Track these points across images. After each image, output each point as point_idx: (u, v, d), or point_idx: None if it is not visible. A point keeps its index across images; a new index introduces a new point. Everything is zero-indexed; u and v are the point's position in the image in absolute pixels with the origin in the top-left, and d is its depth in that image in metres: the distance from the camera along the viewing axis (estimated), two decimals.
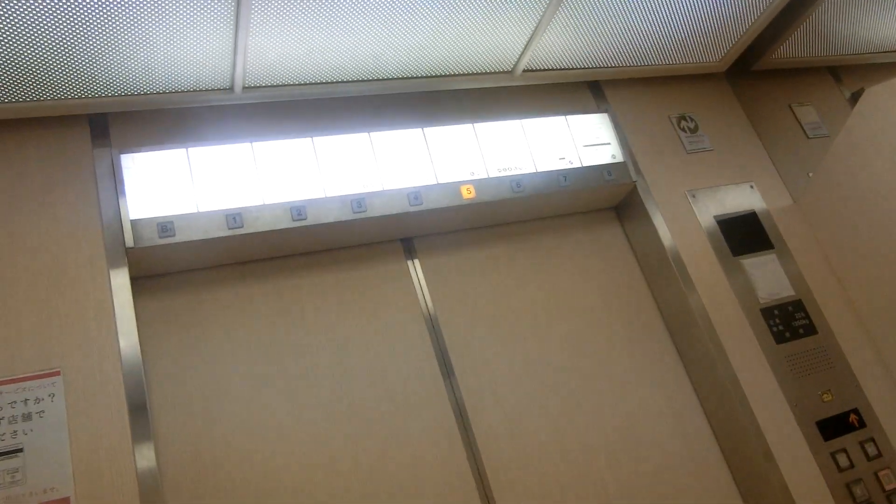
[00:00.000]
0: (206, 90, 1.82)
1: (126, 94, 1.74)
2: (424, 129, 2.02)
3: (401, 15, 1.77)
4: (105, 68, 1.63)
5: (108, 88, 1.70)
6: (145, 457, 1.48)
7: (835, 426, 1.99)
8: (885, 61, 2.92)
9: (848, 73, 2.86)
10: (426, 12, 1.79)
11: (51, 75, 1.60)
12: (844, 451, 1.95)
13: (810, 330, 2.13)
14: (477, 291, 2.08)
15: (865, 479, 1.92)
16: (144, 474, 1.46)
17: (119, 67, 1.64)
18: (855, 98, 2.65)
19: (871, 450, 1.97)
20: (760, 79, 2.66)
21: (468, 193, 1.97)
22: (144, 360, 1.64)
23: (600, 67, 2.29)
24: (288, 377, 1.80)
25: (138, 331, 1.60)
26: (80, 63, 1.59)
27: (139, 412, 1.51)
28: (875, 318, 2.15)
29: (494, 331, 2.04)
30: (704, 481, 2.00)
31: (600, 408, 2.02)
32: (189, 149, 1.77)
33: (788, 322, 2.12)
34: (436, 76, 2.07)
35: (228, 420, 1.71)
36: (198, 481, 1.63)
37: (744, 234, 2.24)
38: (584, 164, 2.15)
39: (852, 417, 2.02)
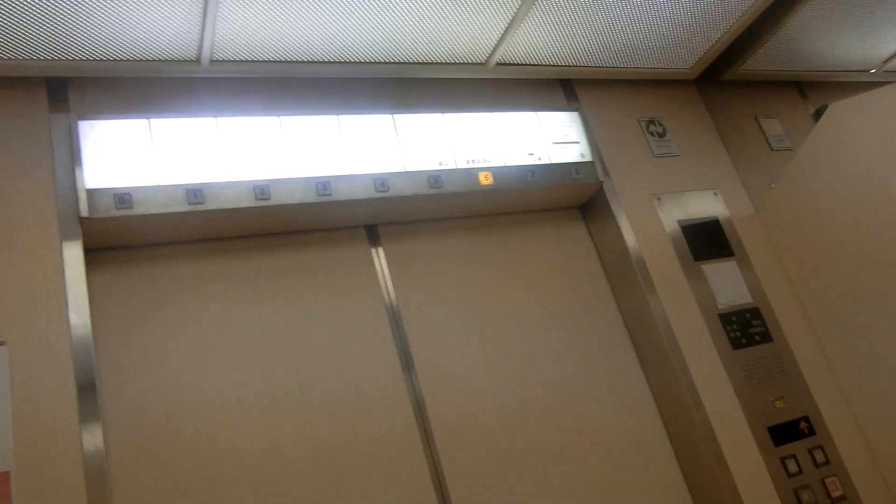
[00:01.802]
0: (173, 60, 1.77)
1: (88, 59, 1.68)
2: (394, 115, 1.99)
3: None
4: (67, 30, 1.57)
5: (70, 51, 1.64)
6: (92, 437, 1.42)
7: (785, 432, 2.02)
8: (848, 80, 2.99)
9: (812, 90, 2.92)
10: None
11: (8, 34, 1.53)
12: (794, 457, 1.98)
13: (766, 337, 2.16)
14: (440, 283, 2.06)
15: (813, 485, 1.95)
16: (91, 455, 1.41)
17: (83, 30, 1.59)
18: (818, 114, 2.71)
19: (819, 457, 2.00)
20: (729, 89, 2.70)
21: (436, 183, 1.95)
22: (95, 336, 1.58)
23: (573, 66, 2.29)
24: (242, 359, 1.76)
25: (90, 305, 1.54)
26: (41, 23, 1.53)
27: (87, 391, 1.45)
28: (827, 328, 2.19)
29: (456, 324, 2.02)
30: (657, 482, 2.01)
31: (557, 405, 2.01)
32: (152, 120, 1.72)
33: (745, 329, 2.14)
34: (408, 63, 2.05)
35: (180, 401, 1.66)
36: (146, 463, 1.58)
37: (706, 240, 2.26)
38: (553, 162, 2.15)
39: (802, 424, 2.05)
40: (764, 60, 2.61)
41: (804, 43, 2.58)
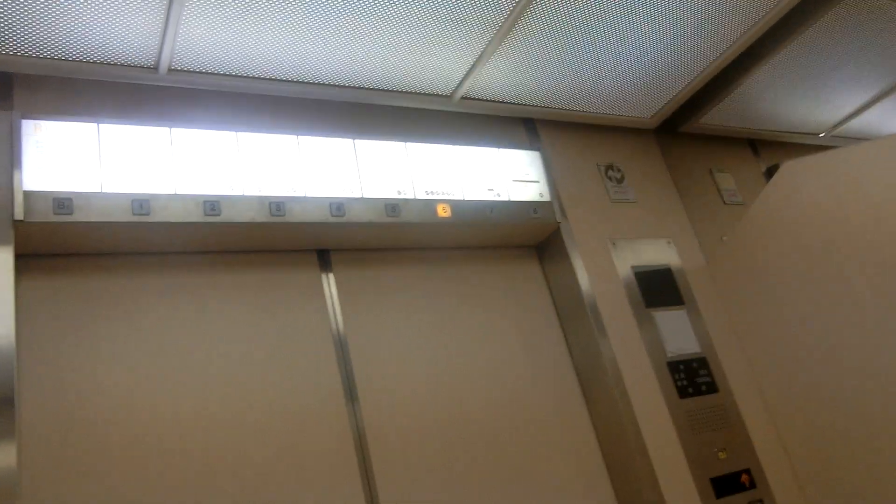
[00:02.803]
0: (129, 66, 1.70)
1: (38, 57, 1.61)
2: (355, 140, 1.96)
3: (344, 20, 1.72)
4: (17, 24, 1.50)
5: (17, 46, 1.56)
6: (5, 455, 1.31)
7: (727, 484, 2.01)
8: (798, 141, 3.08)
9: (765, 148, 3.00)
10: (371, 22, 1.75)
11: None
12: None
13: (712, 388, 2.16)
14: (390, 313, 2.01)
15: None
16: (2, 474, 1.30)
17: (34, 26, 1.52)
18: (770, 172, 2.78)
19: None
20: (686, 141, 2.76)
21: (393, 211, 1.91)
22: (19, 347, 1.48)
23: (537, 106, 2.30)
24: (175, 379, 1.67)
25: (16, 314, 1.44)
26: None
27: (4, 406, 1.34)
28: (770, 381, 2.21)
29: (403, 355, 1.97)
30: None
31: (501, 440, 1.97)
32: (101, 124, 1.65)
33: (692, 378, 2.15)
34: (373, 89, 2.02)
35: (104, 419, 1.56)
36: (63, 483, 1.47)
37: (658, 288, 2.27)
38: (512, 199, 2.14)
39: (744, 477, 2.04)
40: (721, 116, 2.68)
41: (759, 102, 2.66)
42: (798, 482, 2.11)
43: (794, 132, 2.98)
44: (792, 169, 2.19)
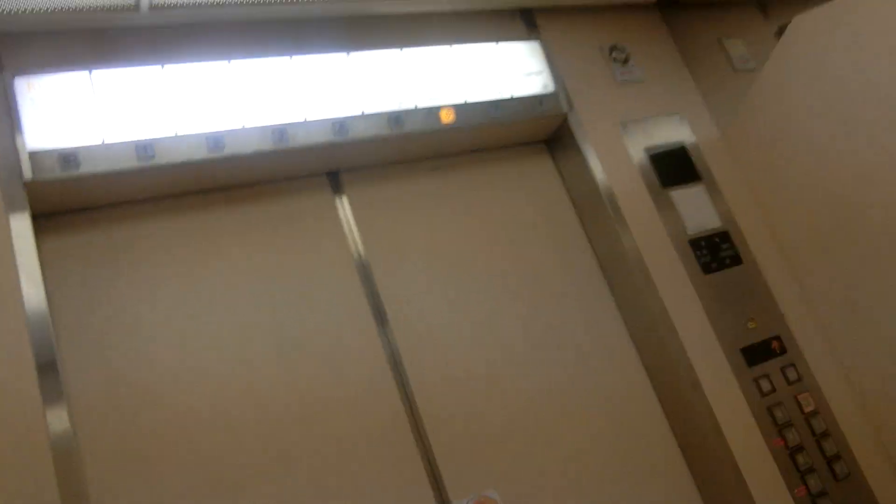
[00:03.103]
0: (109, 9, 1.66)
1: (18, 12, 1.57)
2: (350, 54, 1.91)
3: None
4: None
5: None
6: (58, 419, 1.36)
7: (758, 352, 2.04)
8: None
9: (774, 6, 2.87)
10: None
11: None
12: (767, 376, 2.01)
13: (736, 260, 2.16)
14: (407, 229, 2.02)
15: (786, 402, 1.99)
16: (58, 438, 1.35)
17: None
18: (781, 31, 2.66)
19: (791, 374, 2.03)
20: (691, 12, 2.64)
21: (396, 123, 1.89)
22: (52, 310, 1.51)
23: None
24: (208, 319, 1.71)
25: (44, 276, 1.47)
26: None
27: (48, 370, 1.38)
28: (796, 248, 2.20)
29: (427, 272, 1.99)
30: (633, 410, 2.03)
31: (533, 343, 2.01)
32: (93, 72, 1.63)
33: (715, 253, 2.15)
34: None
35: (147, 368, 1.61)
36: (117, 437, 1.53)
37: (673, 167, 2.24)
38: (516, 95, 2.09)
39: (774, 344, 2.07)
40: None
41: None
42: (829, 341, 2.13)
43: None
44: (801, 24, 2.11)
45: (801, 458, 1.92)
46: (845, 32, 1.97)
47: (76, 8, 1.62)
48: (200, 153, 1.66)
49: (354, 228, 1.95)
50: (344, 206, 1.97)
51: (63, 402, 1.39)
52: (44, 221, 1.62)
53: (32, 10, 1.58)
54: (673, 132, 2.31)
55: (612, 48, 2.36)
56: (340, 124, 1.82)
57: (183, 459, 1.57)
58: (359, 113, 1.86)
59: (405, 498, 1.71)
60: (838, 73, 1.99)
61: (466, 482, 1.79)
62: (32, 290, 1.43)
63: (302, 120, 1.79)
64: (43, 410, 1.36)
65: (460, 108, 1.99)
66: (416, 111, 1.93)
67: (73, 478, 1.34)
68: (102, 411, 1.55)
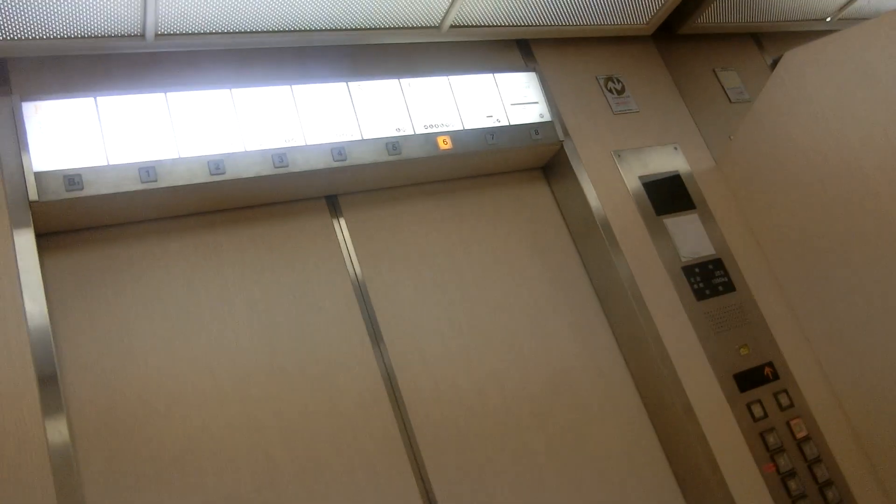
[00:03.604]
0: (116, 36, 1.72)
1: (28, 38, 1.63)
2: (349, 83, 1.97)
3: None
4: (4, 9, 1.52)
5: (5, 31, 1.59)
6: (57, 430, 1.40)
7: (751, 378, 2.06)
8: (804, 29, 3.00)
9: (769, 40, 2.93)
10: None
11: None
12: (759, 401, 2.02)
13: (729, 287, 2.19)
14: (404, 251, 2.06)
15: (778, 427, 2.00)
16: (57, 449, 1.38)
17: (17, 8, 1.54)
18: (775, 63, 2.72)
19: (783, 400, 2.05)
20: (686, 43, 2.70)
21: (394, 149, 1.93)
22: (54, 325, 1.55)
23: (529, 26, 2.27)
24: (207, 337, 1.74)
25: (46, 292, 1.52)
26: None
27: (49, 383, 1.42)
28: (788, 274, 2.22)
29: (422, 291, 2.02)
30: (627, 435, 2.04)
31: (526, 366, 2.03)
32: (98, 98, 1.68)
33: (708, 280, 2.17)
34: (361, 29, 2.02)
35: (145, 383, 1.65)
36: (114, 450, 1.56)
37: (667, 195, 2.27)
38: (512, 123, 2.14)
39: (767, 370, 2.09)
40: (720, 13, 2.61)
41: None
42: (821, 370, 2.15)
43: (798, 20, 2.90)
44: (794, 58, 2.15)
45: (792, 484, 1.92)
46: (835, 68, 2.02)
47: (84, 35, 1.68)
48: (202, 176, 1.71)
49: (352, 250, 1.99)
50: (342, 228, 2.01)
51: (62, 415, 1.42)
52: (47, 240, 1.67)
53: (42, 36, 1.64)
54: (668, 161, 2.35)
55: (608, 79, 2.41)
56: (339, 150, 1.87)
57: (178, 473, 1.59)
58: (357, 138, 1.91)
59: None
60: (829, 105, 2.03)
61: (458, 498, 1.80)
62: (35, 306, 1.47)
63: (302, 145, 1.83)
64: (42, 422, 1.39)
65: (457, 135, 2.03)
66: (413, 137, 1.98)
67: (71, 489, 1.37)
68: (100, 424, 1.57)
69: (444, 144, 2.01)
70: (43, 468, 1.36)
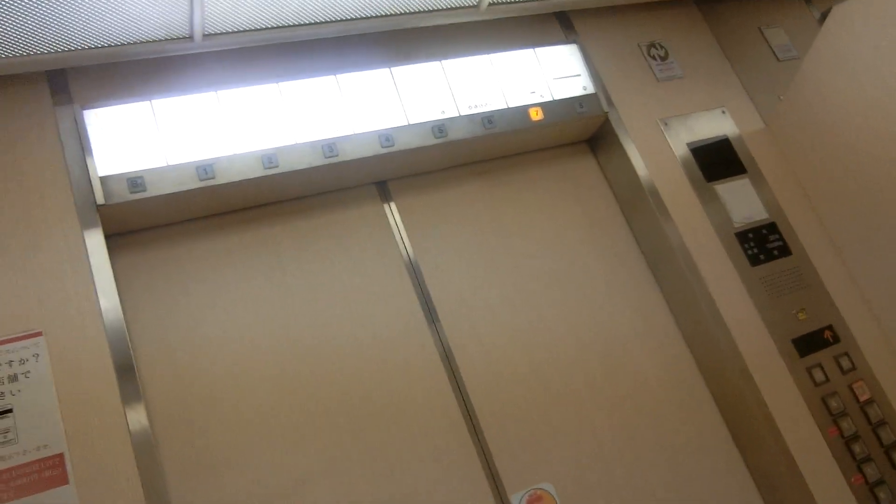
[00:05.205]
0: (165, 40, 1.77)
1: (83, 48, 1.69)
2: (392, 68, 1.99)
3: None
4: (58, 22, 1.58)
5: (64, 43, 1.65)
6: (137, 417, 1.49)
7: (810, 343, 2.04)
8: None
9: None
10: None
11: (3, 31, 1.55)
12: (820, 365, 2.01)
13: (784, 251, 2.16)
14: (456, 231, 2.09)
15: (840, 391, 1.98)
16: (138, 432, 1.48)
17: (73, 20, 1.60)
18: (824, 17, 2.64)
19: (845, 363, 2.02)
20: (729, 2, 2.64)
21: (440, 132, 1.95)
22: (126, 319, 1.63)
23: None
24: (269, 325, 1.81)
25: (118, 289, 1.60)
26: (33, 17, 1.54)
27: (126, 372, 1.52)
28: (845, 236, 2.18)
29: (475, 271, 2.05)
30: (685, 403, 2.05)
31: (581, 339, 2.05)
32: (153, 101, 1.75)
33: (762, 245, 2.15)
34: (400, 14, 2.03)
35: (216, 371, 1.73)
36: (191, 434, 1.65)
37: (717, 160, 2.25)
38: (556, 98, 2.14)
39: (827, 333, 2.07)
40: None
41: None
42: (882, 329, 2.11)
43: None
44: (843, 11, 2.09)
45: (857, 447, 1.91)
46: (887, 19, 1.95)
47: (136, 41, 1.74)
48: (256, 170, 1.76)
49: (404, 233, 2.03)
50: (393, 213, 2.05)
51: (141, 404, 1.51)
52: (115, 240, 1.75)
53: (96, 45, 1.70)
54: (715, 126, 2.32)
55: (651, 45, 2.38)
56: (386, 136, 1.90)
57: (251, 456, 1.67)
58: (403, 124, 1.93)
59: (463, 492, 1.78)
60: (881, 59, 1.97)
61: (522, 476, 1.84)
62: (109, 303, 1.56)
63: (350, 134, 1.87)
64: (123, 411, 1.48)
65: (501, 114, 2.04)
66: (458, 119, 1.99)
67: (154, 474, 1.46)
68: (176, 412, 1.66)
69: (489, 124, 2.01)
70: (126, 456, 1.45)
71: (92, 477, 1.41)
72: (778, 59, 2.57)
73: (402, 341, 1.90)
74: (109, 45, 1.72)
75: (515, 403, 1.92)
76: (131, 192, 1.65)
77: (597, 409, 1.97)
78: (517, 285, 2.07)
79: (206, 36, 1.81)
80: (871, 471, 1.89)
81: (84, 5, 1.56)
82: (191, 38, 1.79)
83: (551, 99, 2.13)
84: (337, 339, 1.85)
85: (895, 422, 1.98)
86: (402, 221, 2.04)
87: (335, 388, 1.79)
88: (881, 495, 1.87)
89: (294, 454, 1.70)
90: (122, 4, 1.60)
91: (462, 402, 1.87)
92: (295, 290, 1.87)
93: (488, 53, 2.12)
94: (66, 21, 1.59)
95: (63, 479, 1.39)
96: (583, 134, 2.30)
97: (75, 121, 1.68)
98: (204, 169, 1.71)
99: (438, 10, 2.07)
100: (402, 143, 1.91)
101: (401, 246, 2.01)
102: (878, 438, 1.94)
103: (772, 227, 2.18)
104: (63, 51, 1.67)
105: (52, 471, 1.40)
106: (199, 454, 1.64)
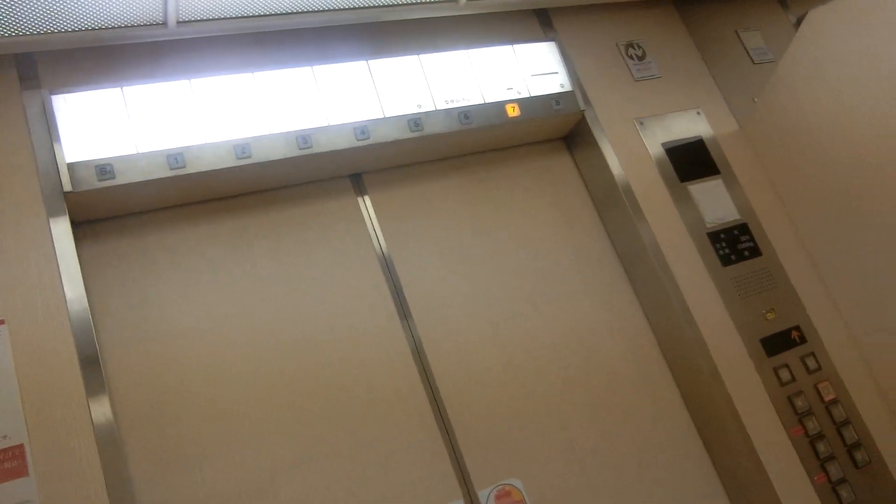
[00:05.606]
0: (139, 25, 1.74)
1: (52, 32, 1.66)
2: (369, 61, 1.98)
3: None
4: (27, 4, 1.55)
5: (33, 26, 1.62)
6: (101, 409, 1.47)
7: (778, 343, 2.06)
8: None
9: None
10: None
11: None
12: (786, 365, 2.03)
13: (755, 252, 2.18)
14: (429, 226, 2.08)
15: (806, 391, 2.01)
16: (102, 427, 1.45)
17: (42, 3, 1.56)
18: (800, 22, 2.66)
19: (811, 364, 2.05)
20: (707, 4, 2.65)
21: (416, 126, 1.95)
22: (92, 309, 1.61)
23: None
24: (241, 317, 1.79)
25: (84, 278, 1.57)
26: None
27: (91, 364, 1.49)
28: (816, 238, 2.21)
29: (448, 265, 2.05)
30: (655, 400, 2.07)
31: (553, 335, 2.06)
32: (124, 87, 1.71)
33: (734, 245, 2.17)
34: (379, 7, 2.01)
35: (186, 364, 1.70)
36: (157, 428, 1.63)
37: (691, 161, 2.26)
38: (533, 94, 2.14)
39: (794, 334, 2.09)
40: None
41: None
42: (849, 333, 2.14)
43: None
44: (819, 15, 2.11)
45: (821, 446, 1.94)
46: (860, 25, 1.98)
47: (108, 26, 1.71)
48: (228, 160, 1.74)
49: (377, 227, 2.02)
50: (367, 206, 2.04)
51: (105, 396, 1.48)
52: (82, 228, 1.72)
53: (67, 29, 1.67)
54: (690, 126, 2.33)
55: (629, 45, 2.39)
56: (362, 129, 1.89)
57: (219, 449, 1.65)
58: (379, 117, 1.92)
59: (431, 488, 1.78)
60: (855, 65, 2.00)
61: (491, 471, 1.84)
62: (74, 292, 1.53)
63: (325, 125, 1.85)
64: (87, 403, 1.45)
65: (478, 109, 2.04)
66: (434, 113, 1.98)
67: (117, 467, 1.43)
68: (142, 404, 1.64)
69: (466, 119, 2.01)
70: (89, 448, 1.43)
71: (53, 469, 1.39)
72: (753, 61, 2.59)
73: (374, 335, 1.89)
74: (80, 30, 1.69)
75: (486, 399, 1.92)
76: (99, 180, 1.62)
77: (567, 406, 1.98)
78: (491, 281, 2.07)
79: (181, 23, 1.78)
80: (834, 470, 1.92)
81: None
82: (164, 24, 1.77)
83: (528, 95, 2.13)
84: (309, 332, 1.83)
85: (858, 422, 2.01)
86: (376, 215, 2.03)
87: (306, 380, 1.78)
88: (843, 493, 1.90)
89: (264, 449, 1.68)
90: None
91: (433, 397, 1.87)
92: (267, 282, 1.85)
93: (466, 49, 2.11)
94: (36, 3, 1.55)
95: (23, 471, 1.37)
96: (559, 131, 2.30)
97: (43, 106, 1.64)
98: (175, 157, 1.69)
99: (417, 3, 2.06)
100: (378, 136, 1.90)
101: (374, 240, 2.00)
102: (842, 438, 1.97)
103: (743, 228, 2.21)
104: (32, 34, 1.64)
105: (11, 462, 1.37)
106: (168, 448, 1.62)
